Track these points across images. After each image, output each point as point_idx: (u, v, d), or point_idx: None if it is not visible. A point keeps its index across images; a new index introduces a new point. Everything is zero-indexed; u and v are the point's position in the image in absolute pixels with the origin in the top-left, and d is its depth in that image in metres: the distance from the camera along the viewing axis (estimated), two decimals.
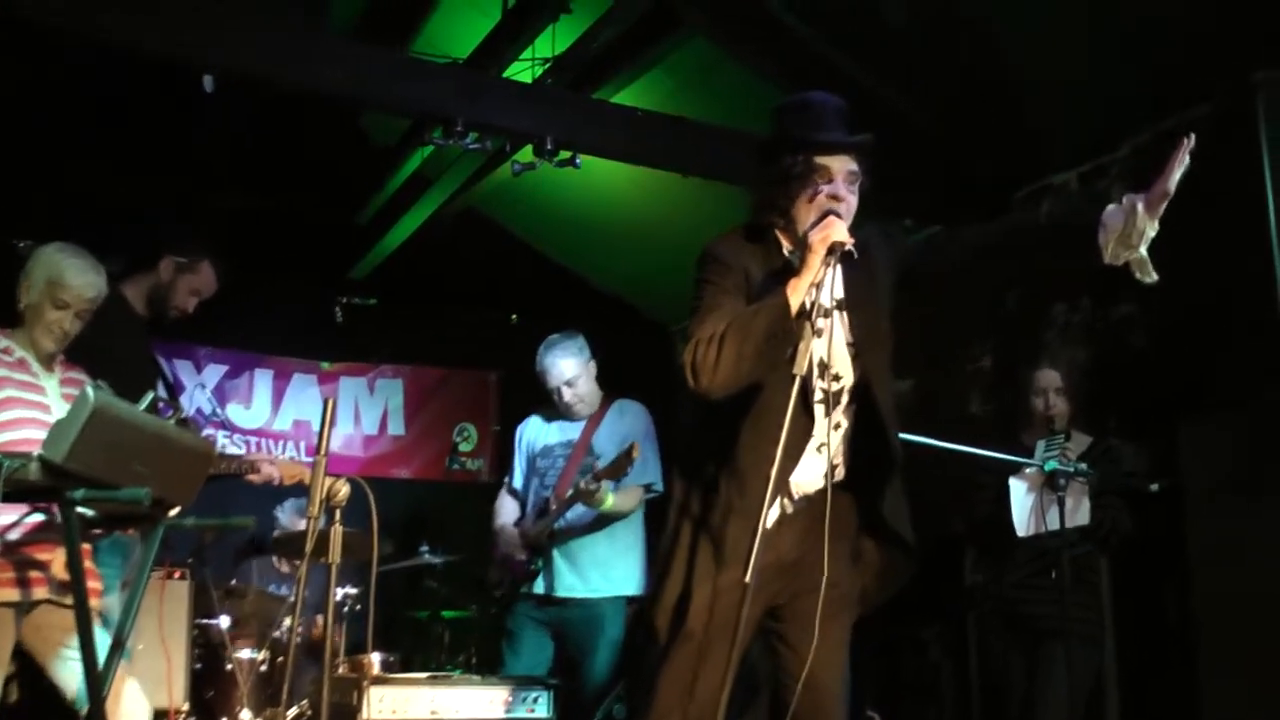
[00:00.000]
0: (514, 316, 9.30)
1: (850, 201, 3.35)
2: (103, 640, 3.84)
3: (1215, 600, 5.07)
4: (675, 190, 7.20)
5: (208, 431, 8.42)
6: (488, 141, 6.14)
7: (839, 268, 3.23)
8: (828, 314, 3.26)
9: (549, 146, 6.08)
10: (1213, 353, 5.60)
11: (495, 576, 5.89)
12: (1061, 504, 4.86)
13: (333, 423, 3.63)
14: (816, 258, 3.17)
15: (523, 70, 6.70)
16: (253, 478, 4.99)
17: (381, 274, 8.95)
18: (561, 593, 5.67)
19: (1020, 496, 5.16)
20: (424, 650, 7.17)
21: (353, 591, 6.66)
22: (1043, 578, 5.09)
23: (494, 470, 9.15)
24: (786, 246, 3.40)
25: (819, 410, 3.30)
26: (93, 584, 4.14)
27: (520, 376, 6.39)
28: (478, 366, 9.47)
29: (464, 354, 9.41)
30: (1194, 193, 5.63)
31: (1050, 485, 4.91)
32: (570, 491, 5.57)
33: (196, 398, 8.59)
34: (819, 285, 3.18)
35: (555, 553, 5.71)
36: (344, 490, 3.65)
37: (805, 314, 3.16)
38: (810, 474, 3.36)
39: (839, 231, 3.18)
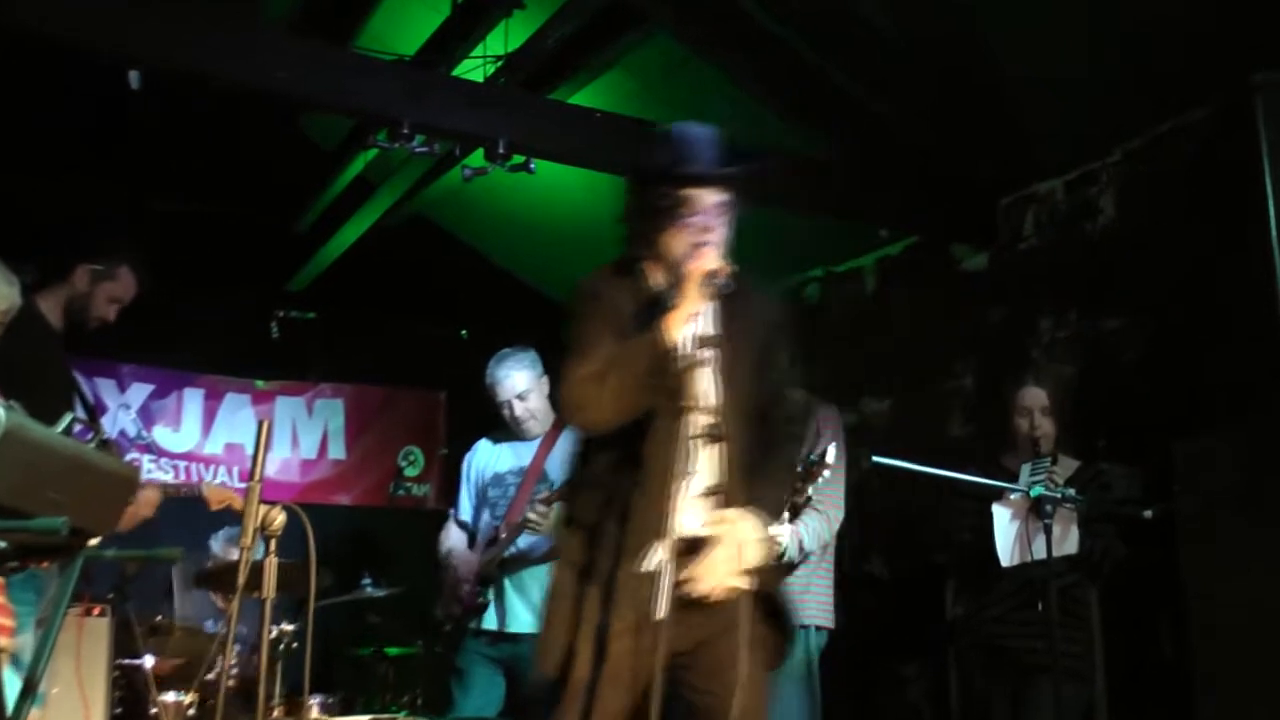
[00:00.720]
0: (464, 331, 9.24)
1: (719, 233, 3.51)
2: (13, 683, 3.77)
3: (1212, 633, 5.05)
4: None
5: (132, 455, 8.34)
6: (436, 144, 6.15)
7: (713, 301, 3.39)
8: (706, 345, 3.36)
9: (501, 150, 6.05)
10: (1210, 368, 5.63)
11: (443, 610, 5.86)
12: (1048, 531, 4.86)
13: (268, 446, 3.59)
14: (692, 289, 3.34)
15: (474, 69, 6.67)
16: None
17: (321, 286, 8.91)
18: (514, 628, 5.65)
19: (1004, 524, 5.17)
20: (366, 690, 7.10)
21: (289, 628, 6.58)
22: (1028, 610, 5.11)
23: (441, 497, 9.12)
24: (656, 279, 3.55)
25: (699, 446, 3.41)
26: (3, 621, 4.07)
27: (470, 396, 6.35)
28: (425, 385, 9.43)
29: (410, 372, 9.37)
30: (1191, 197, 5.72)
31: (1036, 512, 4.92)
32: (520, 518, 5.60)
33: (120, 419, 8.52)
34: (697, 316, 3.35)
35: (506, 584, 5.70)
36: (280, 519, 3.61)
37: (685, 345, 3.33)
38: (696, 514, 3.42)
39: (712, 260, 3.37)
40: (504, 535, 5.67)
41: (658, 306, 3.43)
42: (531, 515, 5.49)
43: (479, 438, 6.08)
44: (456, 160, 6.63)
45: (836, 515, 5.29)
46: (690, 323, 3.35)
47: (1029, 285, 6.69)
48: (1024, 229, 6.76)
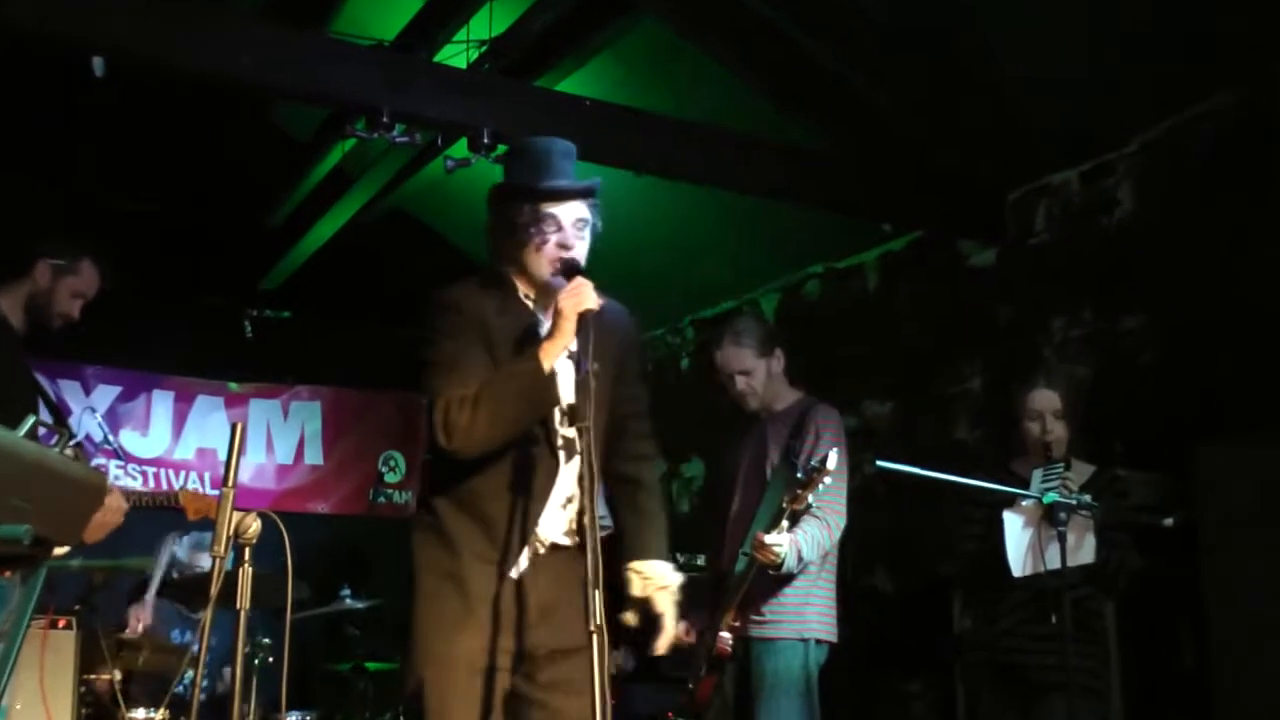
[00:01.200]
0: None
1: (580, 247, 3.65)
2: None
3: (1234, 648, 5.07)
4: (626, 190, 7.20)
5: (98, 461, 8.29)
6: (417, 134, 6.14)
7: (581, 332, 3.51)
8: (578, 370, 3.46)
9: (486, 140, 6.02)
10: (1232, 368, 5.62)
11: None
12: (1062, 540, 4.82)
13: (241, 451, 3.58)
14: (569, 324, 3.47)
15: (456, 54, 6.66)
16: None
17: (296, 284, 8.91)
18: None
19: (1015, 532, 5.14)
20: (345, 707, 7.10)
21: (265, 642, 6.57)
22: (1041, 623, 5.06)
23: None
24: (523, 290, 3.73)
25: (562, 456, 3.66)
26: None
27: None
28: (406, 388, 9.41)
29: (390, 374, 9.30)
30: (1212, 189, 5.71)
31: (1049, 519, 4.88)
32: None
33: (85, 423, 8.42)
34: (573, 345, 3.49)
35: None
36: (254, 526, 3.57)
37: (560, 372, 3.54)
38: (557, 522, 3.69)
39: (589, 298, 3.49)
40: None
41: (535, 330, 3.64)
42: None
43: None
44: (438, 151, 6.60)
45: (838, 523, 5.27)
46: (564, 351, 3.52)
47: (1040, 281, 6.68)
48: (1035, 223, 6.74)
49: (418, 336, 3.69)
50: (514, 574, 3.60)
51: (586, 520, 3.46)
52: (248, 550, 3.62)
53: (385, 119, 5.85)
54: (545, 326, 3.60)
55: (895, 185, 6.89)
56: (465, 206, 8.47)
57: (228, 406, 9.13)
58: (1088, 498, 4.95)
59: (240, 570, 3.59)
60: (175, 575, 7.05)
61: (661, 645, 3.76)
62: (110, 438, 7.78)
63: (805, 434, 5.33)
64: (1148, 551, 5.18)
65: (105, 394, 8.75)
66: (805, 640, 5.21)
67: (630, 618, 3.81)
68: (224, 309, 8.89)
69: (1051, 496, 4.88)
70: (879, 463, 4.89)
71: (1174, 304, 5.96)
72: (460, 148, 6.29)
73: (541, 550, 3.64)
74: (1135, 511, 5.25)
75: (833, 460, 4.85)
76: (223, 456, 3.67)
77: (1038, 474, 5.15)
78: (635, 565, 3.79)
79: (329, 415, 9.37)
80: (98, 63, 5.20)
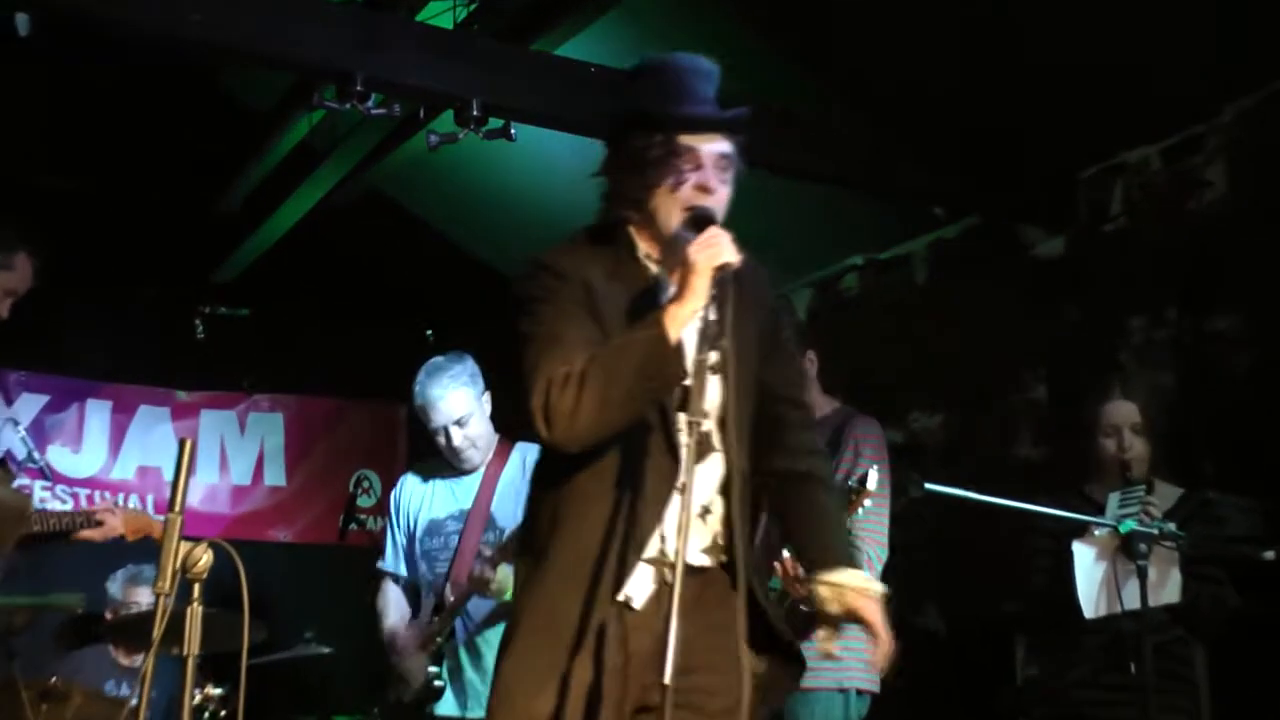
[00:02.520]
0: (430, 332, 9.27)
1: (722, 193, 3.50)
2: None
3: None
4: None
5: (21, 482, 8.30)
6: (396, 105, 6.11)
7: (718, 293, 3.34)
8: (713, 342, 3.32)
9: (476, 112, 6.04)
10: None
11: (394, 694, 5.86)
12: (1142, 576, 4.84)
13: (191, 470, 3.56)
14: (701, 280, 3.29)
15: (442, 13, 6.63)
16: (89, 534, 4.91)
17: (256, 276, 8.92)
18: (476, 712, 5.62)
19: (1087, 566, 5.16)
20: None
21: (215, 692, 6.55)
22: (1118, 672, 5.07)
23: None
24: (643, 249, 3.58)
25: (685, 457, 3.30)
26: None
27: None
28: (382, 397, 9.49)
29: (365, 380, 9.42)
30: None
31: (1127, 552, 4.90)
32: (470, 578, 5.60)
33: (5, 437, 8.47)
34: (705, 310, 3.30)
35: (463, 659, 5.73)
36: (205, 558, 3.56)
37: (701, 340, 3.29)
38: (692, 538, 3.35)
39: (727, 249, 3.32)
40: (451, 600, 5.68)
41: (655, 295, 3.48)
42: (483, 574, 5.50)
43: (404, 474, 6.14)
44: (421, 124, 6.61)
45: (880, 554, 5.29)
46: (700, 318, 3.32)
47: (1116, 275, 6.67)
48: (1110, 206, 6.74)
49: (513, 303, 3.53)
50: (630, 601, 3.40)
51: (737, 535, 3.43)
52: (197, 586, 3.60)
53: (359, 87, 5.84)
54: (670, 291, 3.41)
55: (946, 162, 6.89)
56: (452, 188, 8.64)
57: (175, 418, 9.15)
58: (1173, 526, 4.97)
59: (188, 610, 3.57)
60: (109, 614, 7.03)
61: (881, 659, 3.51)
62: (36, 455, 7.79)
63: (843, 449, 5.36)
64: (1244, 588, 5.18)
65: (30, 404, 8.74)
66: (845, 690, 5.21)
67: (830, 644, 3.60)
68: (171, 305, 8.89)
69: (1130, 525, 4.90)
70: (927, 485, 4.88)
71: (1273, 301, 5.94)
72: (446, 121, 6.31)
73: (669, 575, 3.26)
74: (1229, 542, 5.26)
75: (873, 480, 4.84)
76: (168, 477, 3.66)
77: (1114, 498, 5.18)
78: (825, 577, 3.57)
79: (293, 428, 9.39)
80: (22, 20, 5.21)
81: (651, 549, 3.42)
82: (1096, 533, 5.13)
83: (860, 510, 4.92)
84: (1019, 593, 5.67)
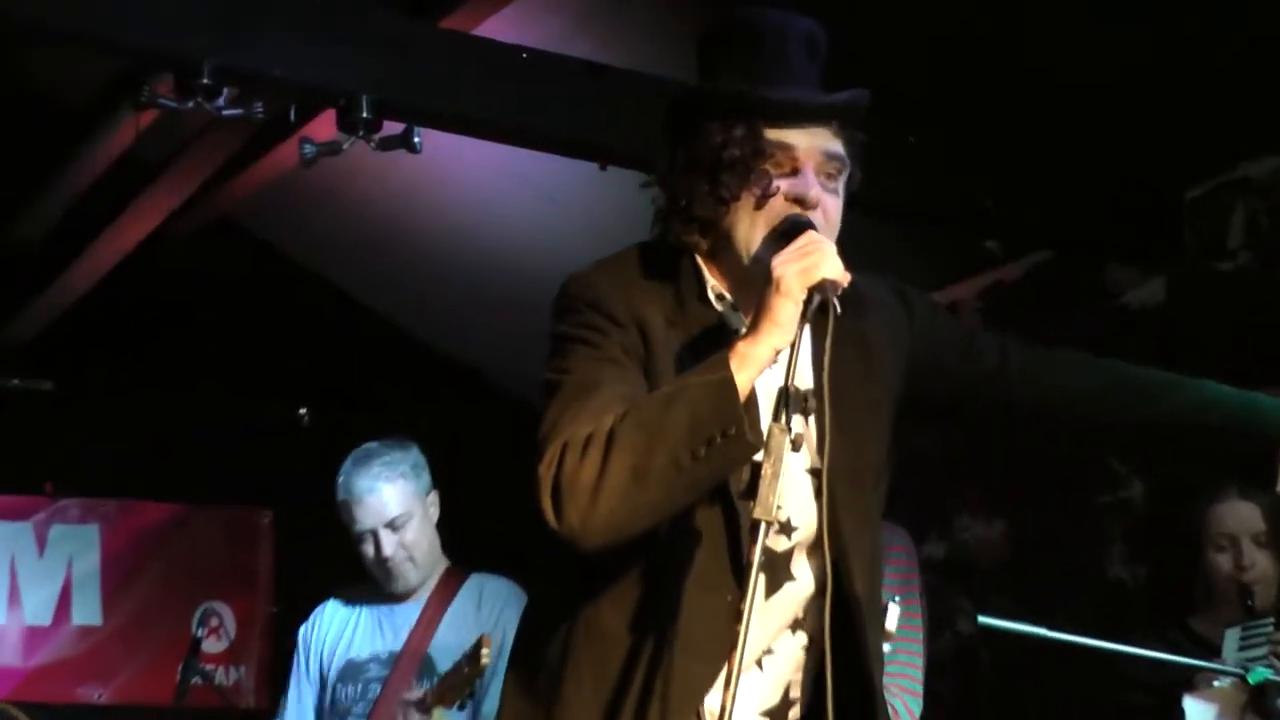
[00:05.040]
0: (304, 411, 9.23)
1: (829, 207, 3.34)
2: None
3: None
4: (582, 190, 7.27)
5: None
6: (257, 103, 6.09)
7: (814, 328, 3.15)
8: (807, 407, 3.10)
9: (366, 113, 5.98)
10: None
11: None
12: None
13: None
14: (789, 302, 3.08)
15: None
16: None
17: (61, 335, 8.95)
18: None
19: None
20: None
21: None
22: None
23: (267, 689, 9.22)
24: (715, 285, 3.42)
25: (750, 579, 3.03)
26: None
27: (315, 516, 6.34)
28: (238, 500, 9.39)
29: (215, 478, 9.38)
30: None
31: (1257, 707, 4.88)
32: None
33: None
34: (793, 353, 3.09)
35: None
36: None
37: (781, 401, 3.03)
38: (747, 693, 3.27)
39: (829, 261, 3.11)
40: None
41: (719, 334, 3.31)
42: None
43: (327, 591, 6.13)
44: (292, 130, 6.61)
45: (913, 709, 5.34)
46: (774, 363, 3.13)
47: (1236, 330, 6.65)
48: (1228, 237, 6.74)
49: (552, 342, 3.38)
50: None
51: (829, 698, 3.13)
52: None
53: (206, 79, 5.78)
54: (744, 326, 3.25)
55: (1005, 180, 6.91)
56: (334, 215, 8.60)
57: None
58: None
59: None
60: None
61: None
62: None
63: None
64: None
65: None
66: None
67: None
68: None
69: (1262, 674, 4.90)
70: (981, 618, 4.92)
71: None
72: (325, 125, 6.26)
73: None
74: None
75: (892, 617, 4.77)
76: None
77: (1233, 635, 5.19)
78: None
79: (112, 545, 9.36)
80: None
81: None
82: (1215, 684, 5.10)
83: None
84: None
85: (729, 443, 3.02)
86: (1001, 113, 6.69)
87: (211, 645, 9.32)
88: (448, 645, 5.71)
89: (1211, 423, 3.62)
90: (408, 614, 5.85)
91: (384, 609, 5.89)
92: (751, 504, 2.96)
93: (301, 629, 6.07)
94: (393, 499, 5.74)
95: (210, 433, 9.29)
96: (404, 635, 5.81)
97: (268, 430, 9.20)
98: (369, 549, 5.76)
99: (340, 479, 5.80)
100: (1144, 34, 6.31)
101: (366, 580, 5.89)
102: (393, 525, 5.74)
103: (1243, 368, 6.43)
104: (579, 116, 6.39)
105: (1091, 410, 3.63)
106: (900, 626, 5.00)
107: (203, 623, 9.23)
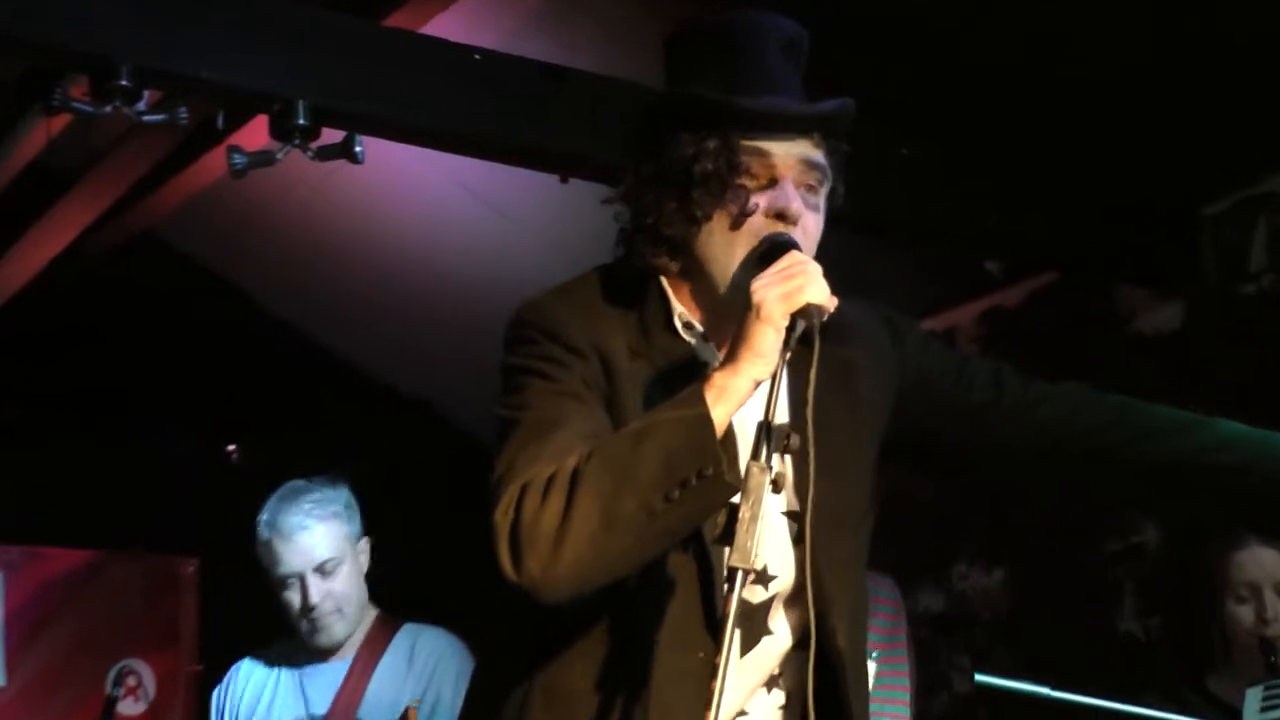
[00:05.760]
0: (233, 448, 9.18)
1: (810, 224, 3.32)
2: None
3: None
4: (540, 205, 7.31)
5: None
6: (181, 108, 6.05)
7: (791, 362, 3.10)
8: (788, 444, 3.03)
9: (302, 119, 5.98)
10: None
11: None
12: None
13: None
14: (770, 330, 3.04)
15: None
16: None
17: None
18: None
19: None
20: None
21: None
22: None
23: None
24: (683, 312, 3.39)
25: (727, 632, 2.97)
26: None
27: (244, 564, 6.28)
28: (158, 546, 9.41)
29: (133, 522, 9.34)
30: None
31: None
32: None
33: None
34: (773, 386, 3.05)
35: None
36: None
37: (761, 437, 2.99)
38: None
39: (815, 284, 3.08)
40: None
41: (689, 367, 3.29)
42: None
43: (239, 661, 6.13)
44: (220, 137, 6.58)
45: None
46: (750, 398, 3.10)
47: (1258, 360, 6.67)
48: (1249, 257, 6.73)
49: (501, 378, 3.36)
50: None
51: None
52: None
53: (124, 80, 5.74)
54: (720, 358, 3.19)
55: (1006, 193, 6.93)
56: (265, 232, 8.66)
57: None
58: None
59: None
60: None
61: None
62: None
63: None
64: None
65: None
66: None
67: None
68: None
69: None
70: (979, 677, 4.96)
71: None
72: (257, 132, 6.30)
73: None
74: None
75: (871, 675, 4.74)
76: None
77: (1254, 696, 5.29)
78: None
79: (16, 597, 9.31)
80: None
81: None
82: None
83: None
84: None
85: (706, 484, 2.98)
86: (1001, 120, 6.72)
87: (129, 707, 9.30)
88: (378, 706, 5.72)
89: (1229, 464, 3.56)
90: (333, 674, 5.81)
91: (307, 669, 5.85)
92: (727, 550, 2.92)
93: (215, 693, 6.08)
94: (324, 540, 5.70)
95: (128, 470, 9.25)
96: (329, 698, 5.79)
97: (192, 468, 9.16)
98: (293, 596, 5.71)
99: (264, 516, 5.74)
100: (1147, 31, 6.32)
101: (288, 636, 5.84)
102: (322, 570, 5.70)
103: (1267, 402, 6.45)
104: (537, 124, 6.38)
105: (1096, 450, 3.58)
106: (884, 686, 5.02)
107: (119, 682, 9.22)
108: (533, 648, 3.28)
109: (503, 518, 3.05)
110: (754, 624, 3.28)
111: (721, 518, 2.96)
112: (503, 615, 3.40)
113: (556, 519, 3.01)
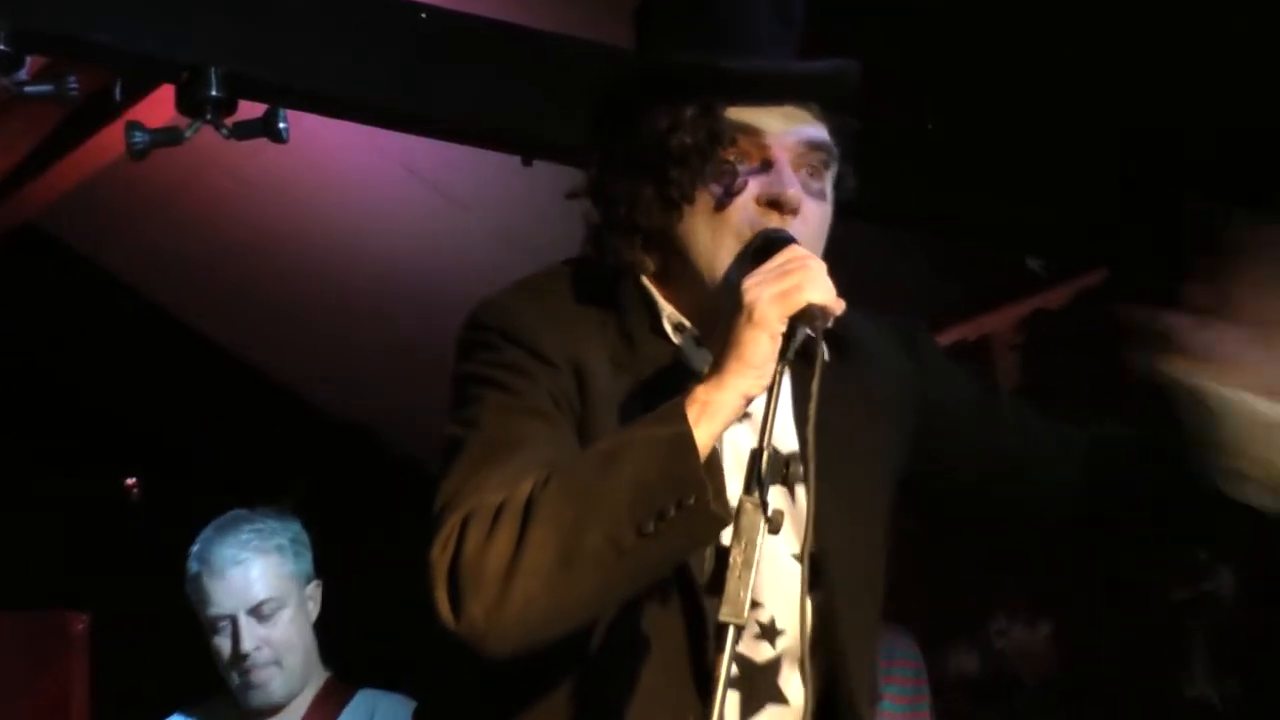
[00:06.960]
0: (131, 480, 9.09)
1: (811, 213, 3.31)
2: None
3: None
4: (499, 191, 7.32)
5: None
6: (71, 77, 6.03)
7: (792, 377, 3.11)
8: (789, 475, 3.04)
9: (214, 90, 5.98)
10: None
11: None
12: None
13: None
14: (763, 336, 2.98)
15: None
16: None
17: None
18: None
19: None
20: None
21: None
22: None
23: None
24: (671, 312, 3.38)
25: (722, 706, 2.91)
26: None
27: (145, 620, 6.15)
28: (42, 601, 9.30)
29: (11, 572, 9.29)
30: None
31: None
32: None
33: None
34: (770, 404, 2.97)
35: None
36: None
37: (753, 466, 2.91)
38: None
39: (817, 283, 3.03)
40: None
41: (679, 376, 3.24)
42: None
43: (166, 712, 6.02)
44: (117, 111, 6.65)
45: None
46: (745, 417, 3.11)
47: None
48: None
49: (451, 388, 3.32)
50: None
51: None
52: None
53: (4, 45, 5.68)
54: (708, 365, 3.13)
55: (1048, 180, 6.94)
56: (175, 226, 8.60)
57: None
58: None
59: None
60: None
61: None
62: None
63: None
64: None
65: None
66: None
67: None
68: None
69: None
70: None
71: None
72: (161, 106, 6.34)
73: None
74: None
75: None
76: None
77: None
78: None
79: None
80: None
81: None
82: None
83: None
84: None
85: (686, 516, 2.93)
86: (1043, 92, 6.79)
87: None
88: None
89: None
90: None
91: None
92: (719, 601, 2.86)
93: None
94: (262, 577, 5.66)
95: (7, 511, 9.22)
96: None
97: (83, 507, 9.10)
98: (224, 642, 5.64)
99: (196, 547, 5.70)
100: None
101: (221, 691, 5.77)
102: (258, 612, 5.64)
103: None
104: (494, 95, 6.36)
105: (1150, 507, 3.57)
106: None
107: None
108: (480, 712, 3.30)
109: (440, 553, 3.01)
110: (757, 686, 3.26)
111: (712, 562, 3.01)
112: (444, 677, 3.43)
113: (505, 554, 2.96)
